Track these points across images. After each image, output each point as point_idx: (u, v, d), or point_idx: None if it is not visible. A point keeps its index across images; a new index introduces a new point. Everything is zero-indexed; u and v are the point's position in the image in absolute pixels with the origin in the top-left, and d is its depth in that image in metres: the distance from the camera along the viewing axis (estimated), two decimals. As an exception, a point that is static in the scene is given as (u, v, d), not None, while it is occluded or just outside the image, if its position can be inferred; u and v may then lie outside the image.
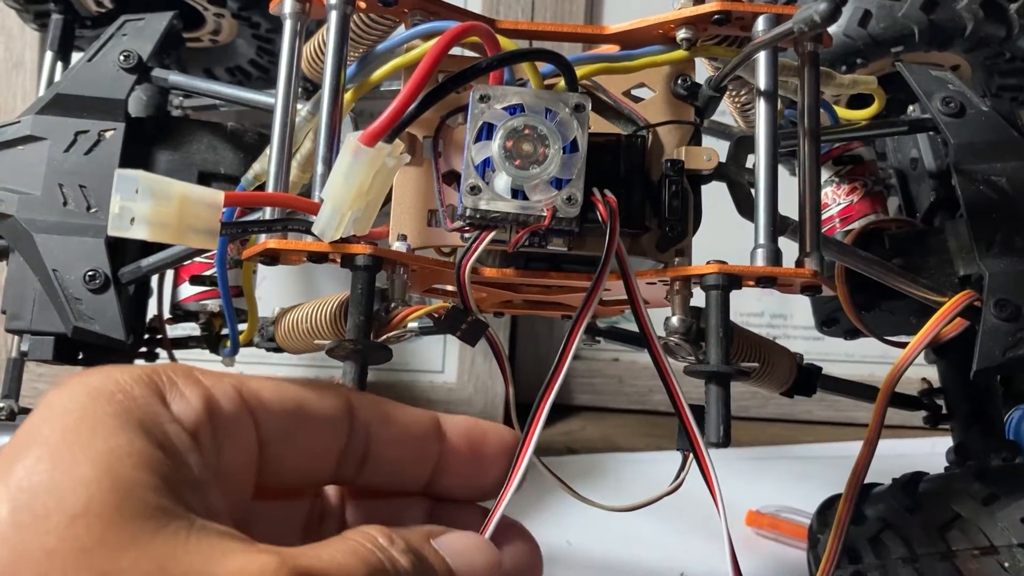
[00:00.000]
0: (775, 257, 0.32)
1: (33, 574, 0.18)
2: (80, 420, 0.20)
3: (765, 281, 0.31)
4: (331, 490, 0.27)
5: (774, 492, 0.57)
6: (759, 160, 0.33)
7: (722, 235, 0.37)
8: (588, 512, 0.57)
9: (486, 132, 0.30)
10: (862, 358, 0.66)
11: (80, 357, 0.43)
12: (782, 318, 0.68)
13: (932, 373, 0.49)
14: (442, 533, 0.24)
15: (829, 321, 0.48)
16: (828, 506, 0.44)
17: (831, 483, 0.49)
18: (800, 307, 0.67)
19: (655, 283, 0.34)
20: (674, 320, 0.33)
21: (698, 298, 0.33)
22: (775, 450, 0.64)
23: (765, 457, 0.62)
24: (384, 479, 0.25)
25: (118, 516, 0.19)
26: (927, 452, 0.60)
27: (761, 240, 0.32)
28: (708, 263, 0.32)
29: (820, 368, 0.43)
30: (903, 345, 0.41)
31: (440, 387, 0.63)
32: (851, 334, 0.48)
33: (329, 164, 0.31)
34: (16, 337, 0.45)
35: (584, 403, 0.67)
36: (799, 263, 0.32)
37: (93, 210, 0.41)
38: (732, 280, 0.31)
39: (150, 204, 0.25)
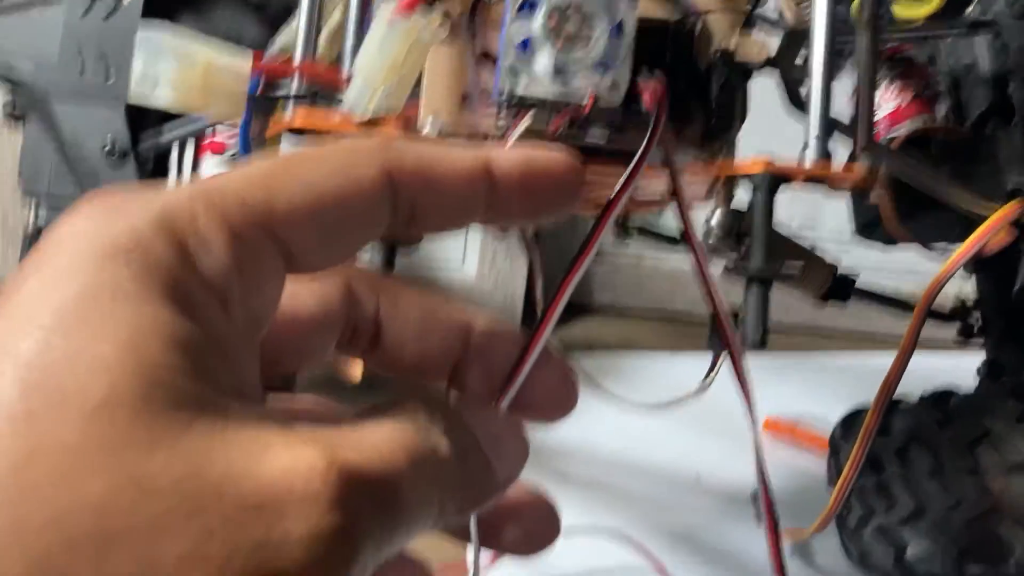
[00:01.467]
0: (826, 156, 0.30)
1: (50, 474, 0.15)
2: (96, 285, 0.17)
3: (815, 180, 0.30)
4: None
5: (793, 400, 0.57)
6: (814, 53, 0.31)
7: (761, 131, 0.35)
8: (604, 410, 0.58)
9: (527, 8, 0.29)
10: (890, 271, 0.65)
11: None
12: (811, 227, 0.66)
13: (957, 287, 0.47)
14: (474, 408, 0.22)
15: (869, 226, 0.47)
16: (853, 416, 0.44)
17: (852, 393, 0.49)
18: (830, 215, 0.66)
19: (695, 180, 0.32)
20: (716, 218, 0.32)
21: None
22: (797, 358, 0.63)
23: (786, 365, 0.62)
24: (428, 232, 0.23)
25: (145, 407, 0.16)
26: (951, 368, 0.59)
27: (812, 138, 0.30)
28: (755, 159, 0.30)
29: (855, 277, 0.42)
30: (945, 256, 0.39)
31: (460, 282, 0.63)
32: (889, 241, 0.47)
33: (360, 37, 0.29)
34: (32, 211, 0.44)
35: (604, 303, 0.66)
36: (850, 162, 0.31)
37: (111, 81, 0.40)
38: (779, 178, 0.30)
39: (174, 68, 0.23)
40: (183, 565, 0.15)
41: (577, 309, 0.46)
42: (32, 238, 0.45)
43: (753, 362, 0.41)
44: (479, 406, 0.22)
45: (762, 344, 0.31)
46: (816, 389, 0.59)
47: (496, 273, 0.61)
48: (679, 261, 0.66)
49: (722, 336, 0.31)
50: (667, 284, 0.65)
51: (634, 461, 0.53)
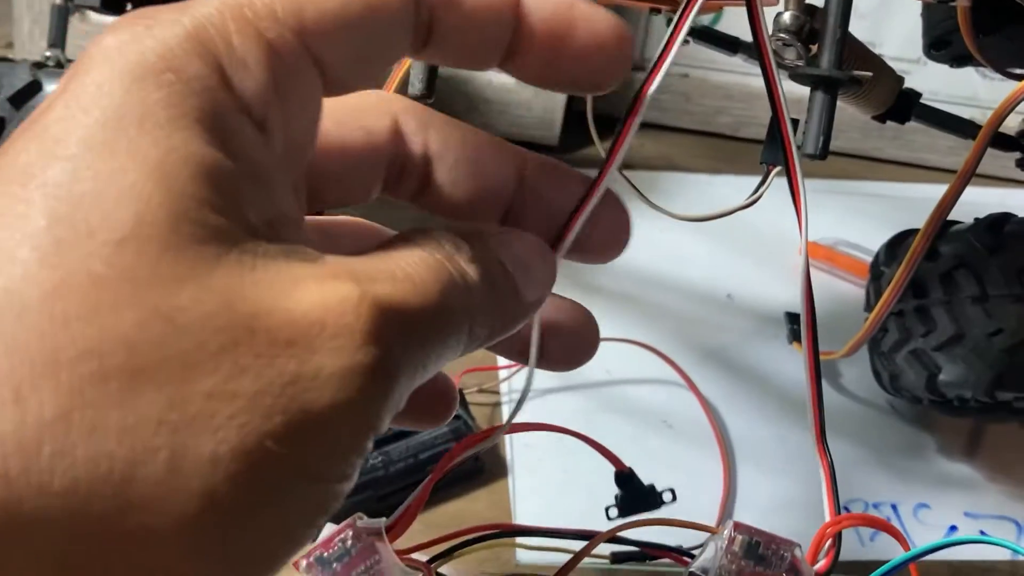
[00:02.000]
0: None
1: (80, 306, 0.14)
2: (124, 110, 0.16)
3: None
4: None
5: (833, 225, 0.56)
6: None
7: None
8: (638, 226, 0.57)
9: None
10: (948, 98, 0.62)
11: (128, 10, 0.40)
12: (873, 45, 0.63)
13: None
14: (499, 233, 0.21)
15: (940, 43, 0.44)
16: (900, 240, 0.42)
17: (893, 222, 0.48)
18: (891, 37, 0.62)
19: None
20: (786, 16, 0.30)
21: None
22: (839, 184, 0.62)
23: (828, 190, 0.60)
24: (444, 62, 0.21)
25: (174, 240, 0.15)
26: (1003, 201, 0.58)
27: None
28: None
29: (919, 95, 0.40)
30: (1019, 78, 0.37)
31: (498, 87, 0.61)
32: (959, 61, 0.44)
33: None
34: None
35: (646, 119, 0.63)
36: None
37: None
38: (862, -28, 0.28)
39: None
40: (212, 401, 0.14)
41: (611, 123, 0.44)
42: (60, 10, 0.43)
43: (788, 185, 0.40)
44: (504, 230, 0.21)
45: (823, 155, 0.30)
46: (856, 217, 0.58)
47: (537, 80, 0.59)
48: (726, 77, 0.63)
49: (781, 142, 0.30)
50: (712, 101, 0.63)
51: (666, 278, 0.52)
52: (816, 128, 0.29)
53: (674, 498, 0.33)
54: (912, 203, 0.60)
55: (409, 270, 0.17)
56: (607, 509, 0.33)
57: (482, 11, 0.19)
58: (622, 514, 0.33)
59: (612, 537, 0.31)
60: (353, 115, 0.21)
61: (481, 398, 0.44)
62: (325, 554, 0.24)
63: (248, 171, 0.16)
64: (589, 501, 0.40)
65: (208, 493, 0.14)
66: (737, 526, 0.26)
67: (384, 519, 0.28)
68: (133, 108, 0.16)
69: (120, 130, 0.15)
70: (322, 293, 0.16)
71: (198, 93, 0.16)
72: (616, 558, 0.35)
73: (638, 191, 0.40)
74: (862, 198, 0.60)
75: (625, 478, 0.33)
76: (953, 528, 0.41)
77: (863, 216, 0.57)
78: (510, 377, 0.45)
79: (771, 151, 0.31)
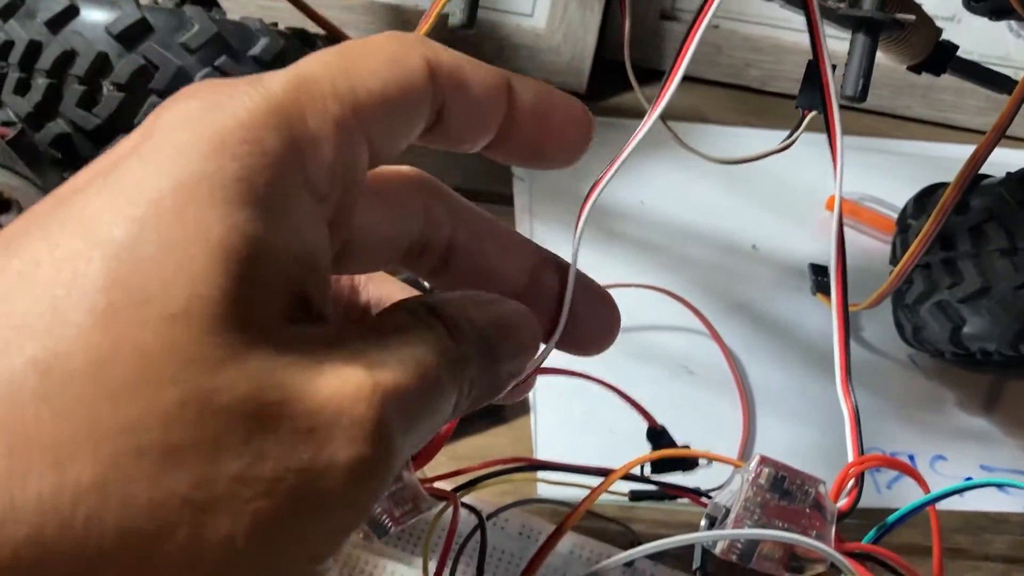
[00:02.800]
0: None
1: (126, 378, 0.14)
2: (199, 179, 0.16)
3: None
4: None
5: (858, 182, 0.56)
6: None
7: None
8: (663, 176, 0.57)
9: None
10: (980, 57, 0.61)
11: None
12: (905, 1, 0.62)
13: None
14: (489, 302, 0.22)
15: (980, -6, 0.44)
16: (929, 192, 0.42)
17: (919, 180, 0.47)
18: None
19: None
20: (831, -45, 0.29)
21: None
22: (865, 141, 0.61)
23: (854, 147, 0.60)
24: (447, 143, 0.22)
25: (221, 321, 0.15)
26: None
27: None
28: None
29: (956, 46, 0.40)
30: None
31: (527, 31, 0.60)
32: (998, 14, 0.44)
33: None
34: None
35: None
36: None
37: None
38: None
39: None
40: (235, 484, 0.15)
41: (645, 75, 0.44)
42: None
43: (818, 139, 0.39)
44: (493, 299, 0.22)
45: (862, 97, 0.30)
46: (882, 174, 0.57)
47: (566, 25, 0.59)
48: (754, 29, 0.63)
49: (820, 84, 0.30)
50: (742, 53, 0.62)
51: (691, 227, 0.53)
52: (856, 70, 0.29)
53: (708, 463, 0.33)
54: (938, 162, 0.60)
55: (415, 352, 0.18)
56: (641, 467, 0.33)
57: (486, 96, 0.21)
58: (655, 472, 0.33)
59: (631, 476, 0.31)
60: (386, 192, 0.22)
61: (505, 338, 0.44)
62: None
63: (300, 253, 0.17)
64: (610, 442, 0.41)
65: (220, 570, 0.15)
66: (763, 460, 0.26)
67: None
68: (207, 178, 0.16)
69: (191, 199, 0.15)
70: (340, 381, 0.16)
71: (271, 167, 0.16)
72: (634, 496, 0.35)
73: (676, 137, 0.40)
74: (888, 156, 0.60)
75: (657, 435, 0.33)
76: (969, 480, 0.42)
77: (889, 173, 0.57)
78: (534, 319, 0.45)
79: (808, 95, 0.32)
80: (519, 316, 0.22)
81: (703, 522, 0.27)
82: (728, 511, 0.26)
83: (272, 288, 0.16)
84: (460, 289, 0.23)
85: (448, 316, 0.20)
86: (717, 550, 0.26)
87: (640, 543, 0.33)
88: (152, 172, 0.16)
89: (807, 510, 0.26)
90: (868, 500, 0.41)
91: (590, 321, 0.25)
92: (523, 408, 0.42)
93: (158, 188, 0.15)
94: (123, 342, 0.15)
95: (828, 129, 0.31)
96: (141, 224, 0.15)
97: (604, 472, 0.30)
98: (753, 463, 0.26)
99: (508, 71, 0.22)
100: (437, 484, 0.30)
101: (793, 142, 0.35)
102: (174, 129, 0.16)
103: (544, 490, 0.37)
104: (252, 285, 0.16)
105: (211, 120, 0.16)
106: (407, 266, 0.23)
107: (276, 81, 0.17)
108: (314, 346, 0.17)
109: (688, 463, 0.33)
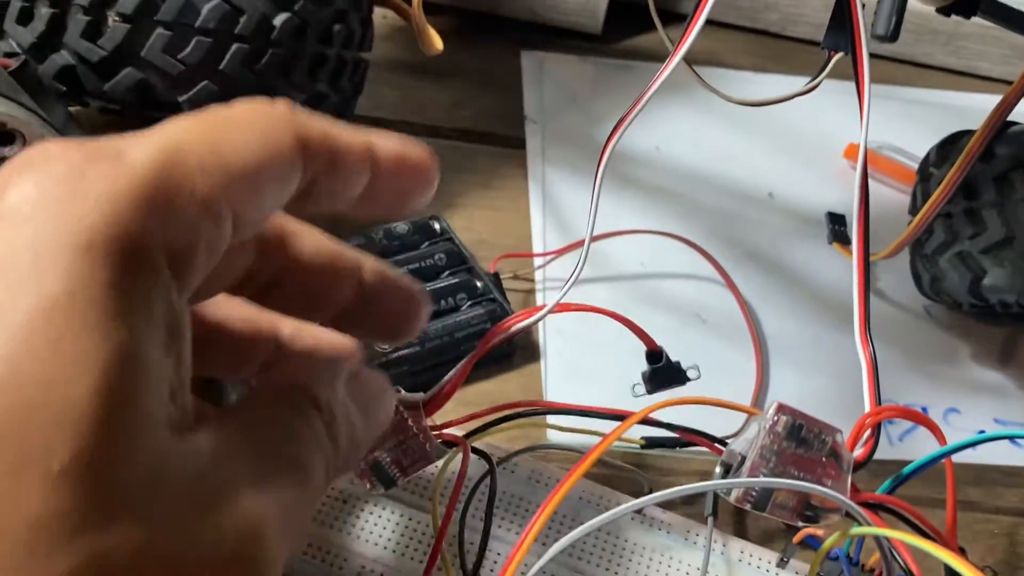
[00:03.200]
0: None
1: (12, 552, 0.13)
2: (68, 299, 0.14)
3: None
4: None
5: (877, 131, 0.54)
6: None
7: None
8: (678, 121, 0.56)
9: None
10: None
11: None
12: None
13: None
14: (349, 378, 0.23)
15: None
16: (953, 140, 0.41)
17: (940, 129, 0.46)
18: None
19: None
20: None
21: None
22: (886, 89, 0.60)
23: (874, 95, 0.58)
24: (314, 209, 0.22)
25: (112, 468, 0.14)
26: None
27: None
28: None
29: (988, -12, 0.38)
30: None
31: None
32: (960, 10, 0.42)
33: None
34: None
35: (690, 11, 0.62)
36: None
37: None
38: None
39: None
40: None
41: (662, 16, 0.43)
42: None
43: (840, 87, 0.38)
44: (353, 373, 0.23)
45: (894, 36, 0.29)
46: (902, 122, 0.56)
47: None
48: (777, -28, 0.61)
49: (850, 22, 0.29)
50: (761, -4, 0.61)
51: (706, 174, 0.52)
52: (889, 7, 0.28)
53: (699, 375, 0.33)
54: (960, 111, 0.59)
55: (300, 459, 0.19)
56: (633, 387, 0.33)
57: (354, 163, 0.21)
58: (649, 391, 0.33)
59: (645, 421, 0.31)
60: (271, 145, 0.20)
61: (516, 284, 0.44)
62: None
63: (178, 355, 0.16)
64: (619, 388, 0.40)
65: None
66: (781, 407, 0.26)
67: (422, 394, 0.28)
68: (78, 293, 0.14)
69: (65, 323, 0.14)
70: (227, 525, 0.16)
71: (142, 268, 0.15)
72: (649, 443, 0.35)
73: (699, 77, 0.39)
74: (909, 104, 0.59)
75: (655, 356, 0.33)
76: (982, 433, 0.41)
77: (909, 122, 0.56)
78: (544, 265, 0.44)
79: (835, 35, 0.30)
80: (379, 392, 0.23)
81: (718, 469, 0.26)
82: (743, 459, 0.26)
83: (154, 413, 0.15)
84: (283, 307, 0.23)
85: (327, 409, 0.20)
86: (732, 498, 0.25)
87: (652, 491, 0.33)
88: (15, 292, 0.14)
89: (823, 459, 0.26)
90: (881, 451, 0.41)
91: (395, 310, 0.25)
92: (532, 354, 0.41)
93: (25, 312, 0.14)
94: (7, 514, 0.13)
95: (856, 71, 0.30)
96: (9, 365, 0.13)
97: (619, 416, 0.30)
98: (771, 411, 0.26)
99: (370, 132, 0.21)
100: (448, 431, 0.29)
101: (817, 84, 0.34)
102: (29, 222, 0.14)
103: (554, 436, 0.36)
104: (141, 422, 0.15)
105: (72, 212, 0.14)
106: (230, 293, 0.23)
107: (140, 157, 0.15)
108: (197, 472, 0.16)
109: (679, 377, 0.33)
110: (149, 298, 0.15)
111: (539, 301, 0.43)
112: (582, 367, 0.41)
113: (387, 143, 0.21)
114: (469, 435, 0.30)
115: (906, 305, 0.46)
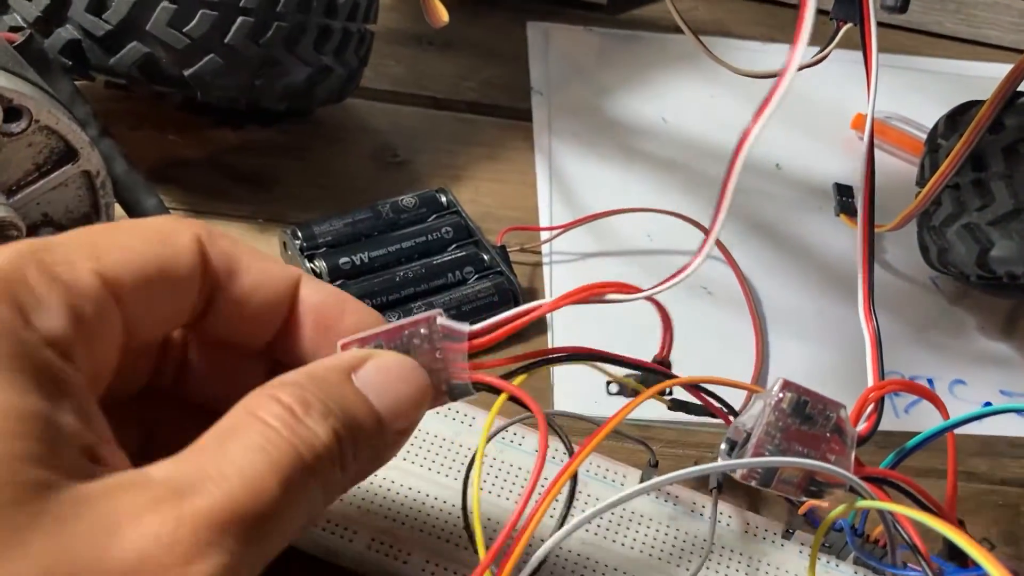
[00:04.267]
0: None
1: None
2: None
3: None
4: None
5: (886, 101, 0.54)
6: None
7: None
8: (685, 92, 0.56)
9: None
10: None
11: None
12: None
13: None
14: (363, 361, 0.20)
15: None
16: (962, 111, 0.41)
17: (949, 99, 0.46)
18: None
19: None
20: None
21: None
22: (894, 58, 0.59)
23: (882, 64, 0.58)
24: (220, 333, 0.22)
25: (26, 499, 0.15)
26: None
27: None
28: None
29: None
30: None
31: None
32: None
33: None
34: None
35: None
36: None
37: None
38: None
39: None
40: None
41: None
42: None
43: (848, 57, 0.38)
44: (362, 356, 0.21)
45: (903, 7, 0.28)
46: (911, 92, 0.56)
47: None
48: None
49: (859, -4, 0.28)
50: (770, -36, 0.60)
51: (713, 145, 0.51)
52: (898, -21, 0.28)
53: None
54: (970, 80, 0.58)
55: (243, 464, 0.17)
56: (607, 384, 0.32)
57: (263, 291, 0.20)
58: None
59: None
60: (168, 251, 0.20)
61: (523, 257, 0.44)
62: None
63: (62, 405, 0.16)
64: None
65: None
66: (786, 384, 0.26)
67: (468, 323, 0.24)
68: None
69: None
70: (143, 533, 0.15)
71: (8, 332, 0.16)
72: (674, 405, 0.34)
73: (705, 47, 0.39)
74: (917, 74, 0.58)
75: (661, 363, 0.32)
76: (988, 404, 0.41)
77: (917, 91, 0.56)
78: (552, 239, 0.44)
79: (843, 5, 0.30)
80: (401, 373, 0.21)
81: (723, 446, 0.27)
82: (749, 435, 0.26)
83: (44, 453, 0.16)
84: (217, 338, 0.22)
85: (299, 403, 0.18)
86: (737, 475, 0.26)
87: (657, 463, 0.33)
88: None
89: (827, 434, 0.26)
90: (886, 423, 0.41)
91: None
92: (540, 326, 0.41)
93: None
94: None
95: (864, 43, 0.30)
96: None
97: (660, 372, 0.29)
98: (776, 387, 0.26)
99: (300, 272, 0.21)
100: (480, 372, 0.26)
101: (825, 56, 0.34)
102: None
103: (560, 403, 0.37)
104: (21, 461, 0.15)
105: None
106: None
107: (2, 253, 0.17)
108: (111, 495, 0.16)
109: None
110: (14, 358, 0.16)
111: (546, 274, 0.43)
112: (590, 340, 0.41)
113: (319, 289, 0.21)
114: (508, 376, 0.26)
115: (912, 276, 0.46)
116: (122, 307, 0.19)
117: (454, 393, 0.24)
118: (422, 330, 0.23)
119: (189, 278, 0.20)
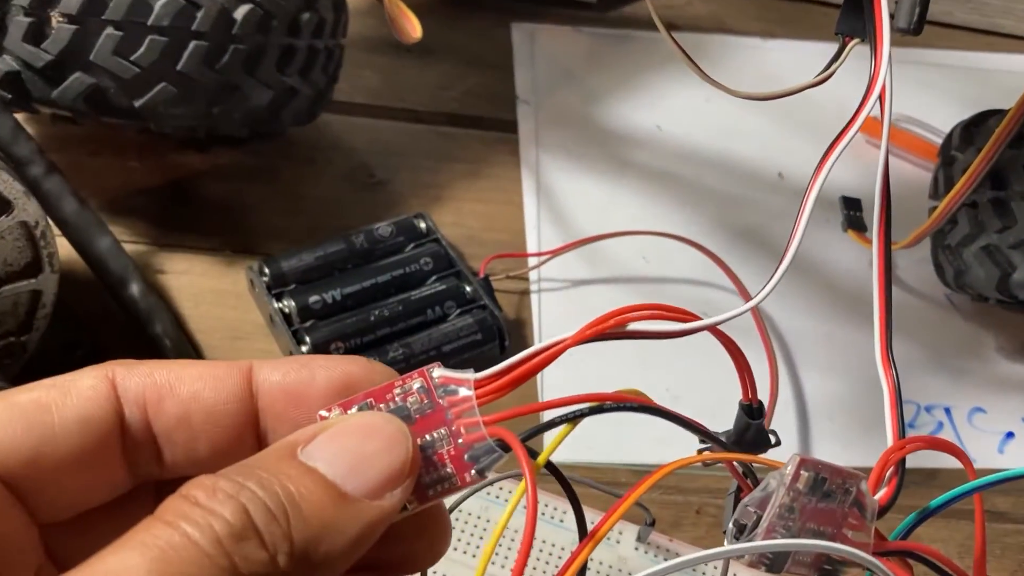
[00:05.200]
0: None
1: None
2: None
3: None
4: None
5: (896, 100, 0.50)
6: None
7: None
8: (680, 96, 0.52)
9: None
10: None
11: None
12: None
13: None
14: (317, 433, 0.18)
15: None
16: (979, 121, 0.38)
17: (962, 96, 0.43)
18: None
19: None
20: None
21: None
22: (904, 52, 0.56)
23: (892, 59, 0.55)
24: (179, 458, 0.19)
25: None
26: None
27: None
28: None
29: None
30: None
31: (533, -65, 0.55)
32: None
33: None
34: None
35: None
36: None
37: None
38: None
39: None
40: None
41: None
42: None
43: (854, 52, 0.35)
44: (320, 426, 0.18)
45: (917, 29, 0.25)
46: (922, 89, 0.53)
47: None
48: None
49: (870, 9, 0.25)
50: (769, -45, 0.57)
51: (710, 153, 0.49)
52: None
53: (778, 442, 0.29)
54: (984, 74, 0.55)
55: (116, 569, 0.15)
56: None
57: (203, 401, 0.19)
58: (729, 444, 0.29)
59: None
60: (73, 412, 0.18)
61: (509, 284, 0.41)
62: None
63: None
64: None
65: None
66: (803, 462, 0.23)
67: (471, 371, 0.20)
68: None
69: None
70: None
71: None
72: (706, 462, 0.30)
73: (691, 60, 0.36)
74: (928, 68, 0.55)
75: (754, 412, 0.29)
76: (1010, 435, 0.39)
77: (928, 88, 0.53)
78: (539, 265, 0.42)
79: (850, 20, 0.27)
80: (369, 431, 0.18)
81: (730, 527, 0.24)
82: (759, 518, 0.23)
83: None
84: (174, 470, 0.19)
85: (205, 492, 0.16)
86: (745, 560, 0.23)
87: (654, 522, 0.30)
88: None
89: (846, 509, 0.24)
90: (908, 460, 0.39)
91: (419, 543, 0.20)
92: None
93: None
94: None
95: (873, 64, 0.27)
96: None
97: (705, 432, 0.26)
98: (790, 467, 0.23)
99: (249, 362, 0.19)
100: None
101: (832, 74, 0.31)
102: None
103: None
104: None
105: None
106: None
107: None
108: None
109: (764, 441, 0.29)
110: None
111: (534, 304, 0.41)
112: (579, 373, 0.38)
113: (274, 367, 0.19)
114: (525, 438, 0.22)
115: (927, 294, 0.43)
116: (20, 494, 0.17)
117: (480, 462, 0.19)
118: (415, 385, 0.19)
119: (97, 438, 0.18)
